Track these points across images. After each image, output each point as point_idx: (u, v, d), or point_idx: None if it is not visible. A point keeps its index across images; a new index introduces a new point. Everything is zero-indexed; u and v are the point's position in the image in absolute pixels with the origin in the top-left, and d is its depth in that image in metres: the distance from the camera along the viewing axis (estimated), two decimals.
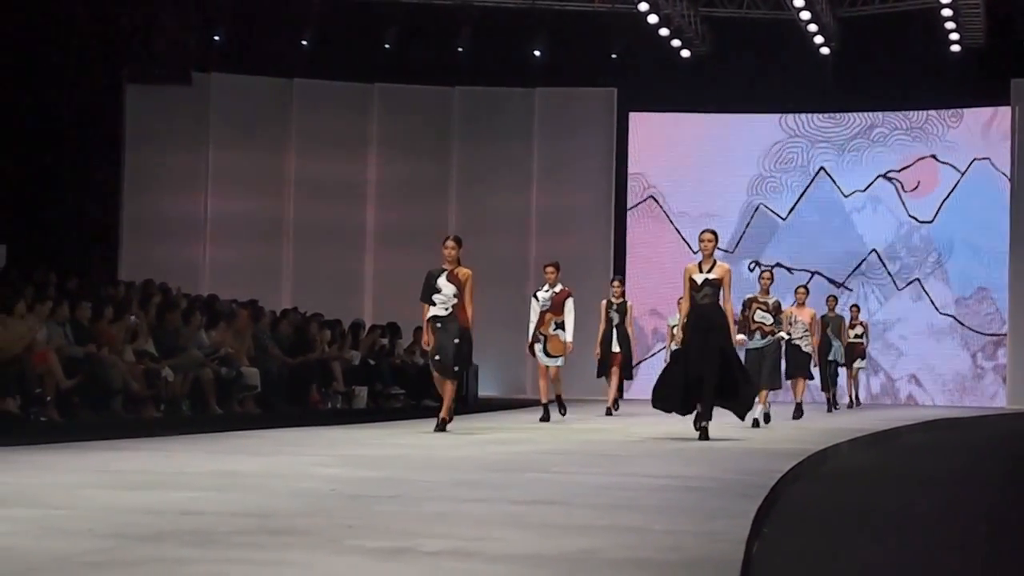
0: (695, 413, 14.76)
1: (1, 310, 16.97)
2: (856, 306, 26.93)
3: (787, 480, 10.27)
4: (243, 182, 27.08)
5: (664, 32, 26.77)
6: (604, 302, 20.89)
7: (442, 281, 15.28)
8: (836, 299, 25.34)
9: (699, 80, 27.74)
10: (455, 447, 12.88)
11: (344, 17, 26.94)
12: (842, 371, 25.92)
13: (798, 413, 20.75)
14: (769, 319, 18.64)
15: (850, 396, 26.31)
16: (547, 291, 18.87)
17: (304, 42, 27.18)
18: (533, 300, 19.01)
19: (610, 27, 27.13)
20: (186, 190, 26.95)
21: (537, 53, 27.89)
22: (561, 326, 18.75)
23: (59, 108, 24.44)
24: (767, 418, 18.52)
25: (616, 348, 20.93)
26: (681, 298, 17.33)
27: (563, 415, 19.28)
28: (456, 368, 15.29)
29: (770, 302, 18.83)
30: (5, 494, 8.22)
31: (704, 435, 14.54)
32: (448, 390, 15.37)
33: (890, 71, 27.06)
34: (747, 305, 18.65)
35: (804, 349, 20.83)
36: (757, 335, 18.62)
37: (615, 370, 20.98)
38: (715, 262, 14.72)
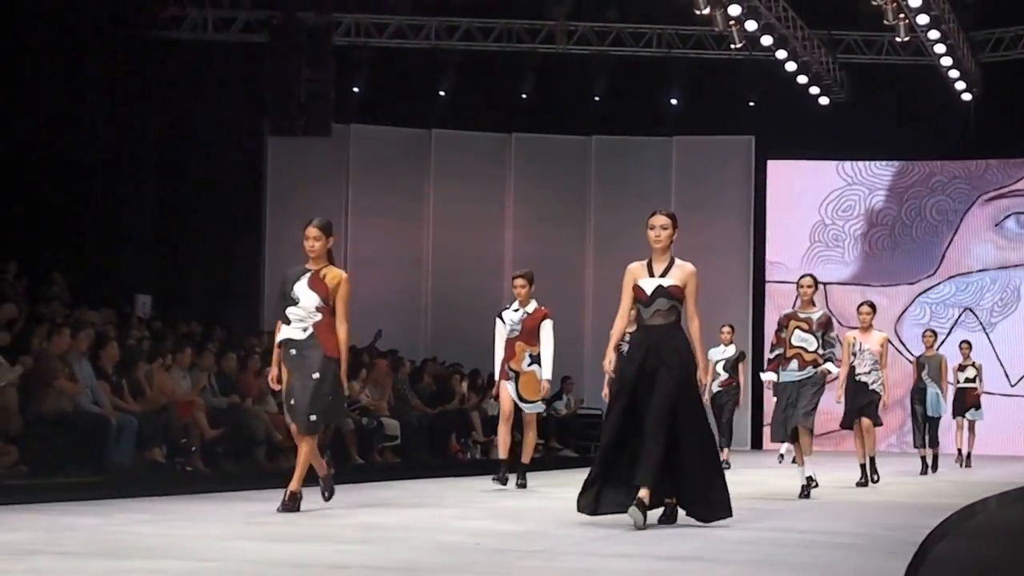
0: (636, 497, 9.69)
1: (147, 361, 17.25)
2: (968, 343, 22.76)
3: (935, 536, 10.12)
4: (382, 231, 27.28)
5: (802, 79, 26.64)
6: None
7: (300, 288, 10.91)
8: (935, 334, 20.96)
9: (838, 127, 27.54)
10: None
11: (481, 67, 27.11)
12: (948, 420, 21.69)
13: (864, 479, 16.22)
14: (811, 342, 13.83)
15: (960, 452, 21.94)
16: (516, 311, 14.21)
17: (441, 92, 27.40)
18: (497, 323, 14.34)
19: (747, 75, 27.04)
20: None
21: (674, 101, 27.88)
22: (537, 359, 14.20)
23: (202, 160, 24.87)
24: (807, 487, 13.74)
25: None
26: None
27: (521, 485, 14.41)
28: (312, 417, 10.77)
29: (814, 318, 13.94)
30: (157, 546, 8.34)
31: (648, 513, 9.69)
32: (303, 450, 10.92)
33: None
34: (783, 325, 14.05)
35: (872, 387, 16.43)
36: (794, 364, 13.81)
37: None
38: (673, 260, 10.33)
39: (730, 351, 19.90)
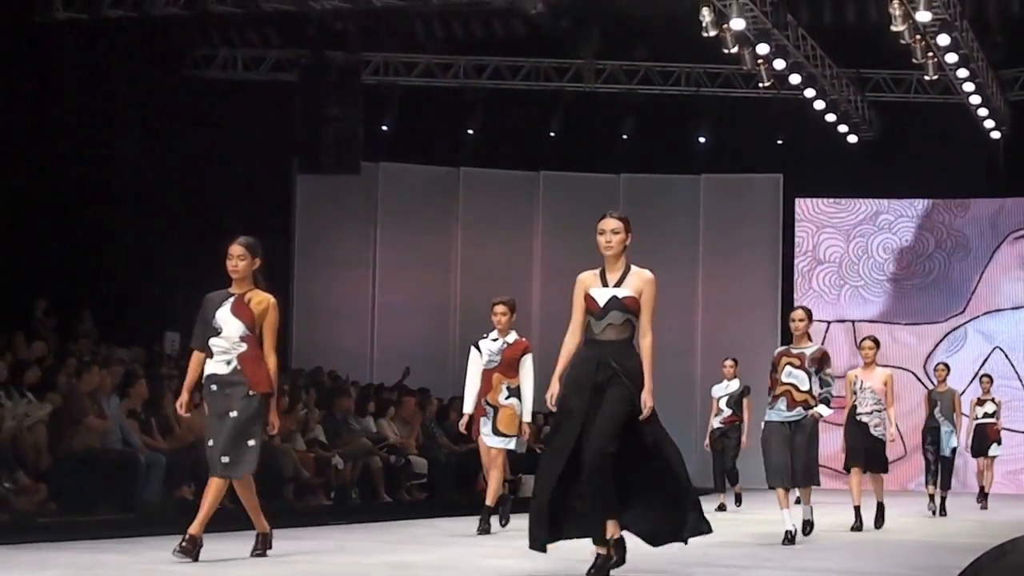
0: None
1: (175, 399, 17.25)
2: (988, 376, 22.08)
3: None
4: (410, 267, 27.31)
5: (831, 117, 26.59)
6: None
7: (223, 315, 9.92)
8: (947, 368, 19.80)
9: (866, 165, 27.49)
10: (627, 536, 12.77)
11: (509, 105, 27.14)
12: (967, 458, 21.71)
13: (859, 523, 14.95)
14: (803, 380, 12.74)
15: (982, 491, 21.12)
16: (495, 340, 13.30)
17: (470, 131, 27.45)
18: (473, 352, 13.45)
19: (776, 113, 27.02)
20: (354, 278, 27.24)
21: (702, 139, 27.87)
22: (516, 393, 13.25)
23: (232, 198, 24.94)
24: (808, 527, 13.26)
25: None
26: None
27: (503, 525, 13.61)
28: (224, 459, 9.74)
29: (807, 353, 12.89)
30: None
31: (604, 571, 8.91)
32: (210, 491, 9.90)
33: None
34: (775, 364, 13.02)
35: (874, 432, 15.24)
36: (782, 403, 12.73)
37: None
38: (629, 268, 9.28)
39: (733, 386, 18.73)
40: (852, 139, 27.38)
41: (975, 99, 25.26)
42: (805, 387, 12.71)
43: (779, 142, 27.60)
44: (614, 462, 8.82)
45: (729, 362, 18.96)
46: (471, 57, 26.51)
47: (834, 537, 13.67)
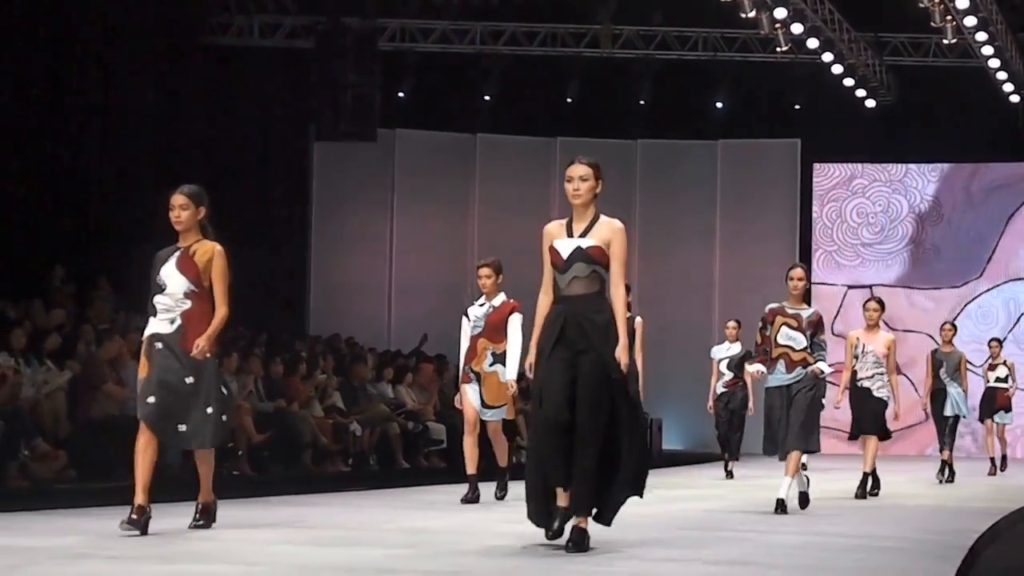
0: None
1: None
2: (997, 340, 21.17)
3: (985, 540, 10.06)
4: (427, 235, 27.31)
5: (849, 82, 26.50)
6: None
7: (168, 270, 9.28)
8: (954, 328, 18.94)
9: (884, 130, 27.41)
10: (643, 503, 12.80)
11: (526, 72, 27.10)
12: (971, 423, 20.98)
13: (862, 490, 14.62)
14: (800, 341, 12.19)
15: (992, 458, 20.20)
16: (482, 305, 12.66)
17: (487, 97, 27.40)
18: (463, 320, 12.79)
19: (793, 78, 26.94)
20: (371, 244, 27.24)
21: (719, 105, 27.81)
22: (501, 359, 12.55)
23: (249, 165, 24.96)
24: (804, 499, 12.44)
25: None
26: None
27: (500, 497, 12.91)
28: (181, 428, 9.12)
29: (804, 315, 12.31)
30: (207, 550, 8.37)
31: (580, 542, 8.36)
32: (144, 453, 9.13)
33: None
34: (767, 321, 12.34)
35: (876, 394, 14.76)
36: (780, 366, 12.17)
37: None
38: (597, 217, 8.72)
39: (736, 348, 18.04)
40: (870, 104, 27.28)
41: (994, 63, 25.15)
42: (801, 347, 12.12)
43: (796, 107, 27.52)
44: (596, 431, 8.40)
45: (732, 323, 18.43)
46: (488, 23, 26.43)
47: (849, 503, 13.68)
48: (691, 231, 28.01)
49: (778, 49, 24.70)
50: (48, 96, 20.85)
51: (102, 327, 17.24)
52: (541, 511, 8.55)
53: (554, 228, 8.75)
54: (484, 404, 12.59)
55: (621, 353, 8.43)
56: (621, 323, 8.53)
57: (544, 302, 8.70)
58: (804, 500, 12.37)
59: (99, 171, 21.55)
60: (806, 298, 12.66)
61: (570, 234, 8.65)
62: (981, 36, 23.88)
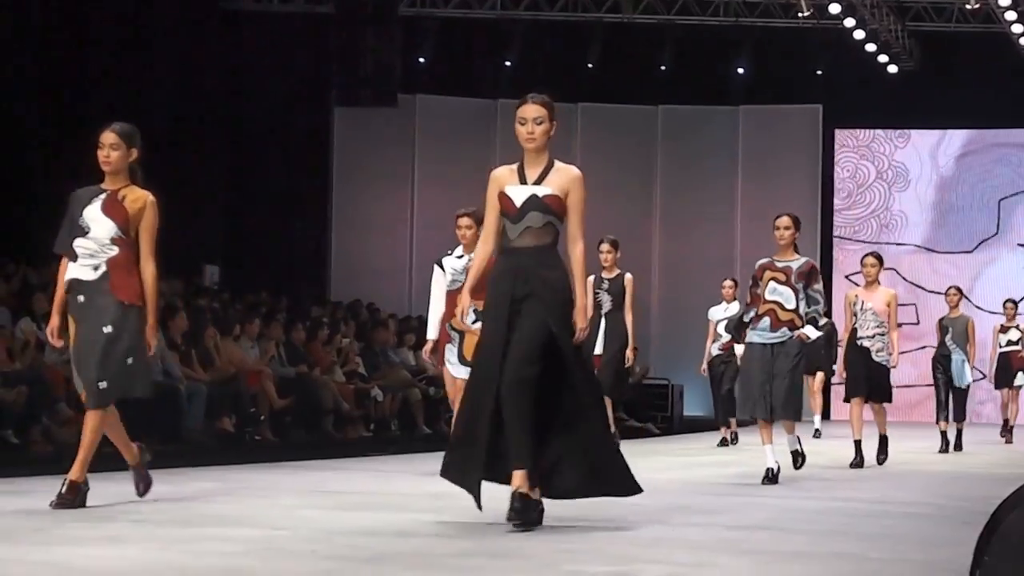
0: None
1: (216, 331, 17.37)
2: (1013, 301, 20.44)
3: (1007, 506, 10.04)
4: (448, 201, 27.25)
5: (871, 48, 26.39)
6: (591, 278, 13.79)
7: (92, 213, 8.56)
8: (960, 292, 18.13)
9: (907, 96, 27.31)
10: (664, 469, 12.83)
11: (547, 38, 27.05)
12: (990, 389, 20.49)
13: (860, 459, 13.74)
14: (789, 297, 11.29)
15: (1006, 425, 19.78)
16: (460, 257, 11.86)
17: (507, 63, 27.36)
18: (436, 271, 12.02)
19: (815, 43, 26.84)
20: (392, 211, 27.25)
21: (741, 70, 27.73)
22: None
23: (269, 131, 24.97)
24: (799, 459, 11.99)
25: (598, 349, 14.19)
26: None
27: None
28: (102, 385, 8.30)
29: (793, 267, 11.42)
30: (230, 514, 8.40)
31: (523, 512, 7.59)
32: (88, 428, 8.43)
33: None
34: (756, 278, 11.51)
35: (876, 357, 13.87)
36: (765, 322, 11.30)
37: None
38: (552, 163, 8.05)
39: (733, 309, 17.11)
40: (892, 69, 27.17)
41: (1017, 28, 25.02)
42: (791, 305, 11.26)
43: (818, 73, 27.44)
44: (532, 395, 7.59)
45: (728, 283, 17.59)
46: None
47: (864, 469, 13.66)
48: (712, 197, 27.94)
49: (800, 14, 24.62)
50: (65, 66, 20.85)
51: None
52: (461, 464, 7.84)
53: (504, 173, 7.99)
54: (463, 361, 11.29)
55: (579, 316, 7.77)
56: (580, 283, 7.90)
57: (483, 252, 8.04)
58: (797, 458, 11.93)
59: None
60: (802, 250, 11.78)
61: (523, 181, 7.92)
62: (1004, 1, 23.76)
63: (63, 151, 20.32)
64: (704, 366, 17.69)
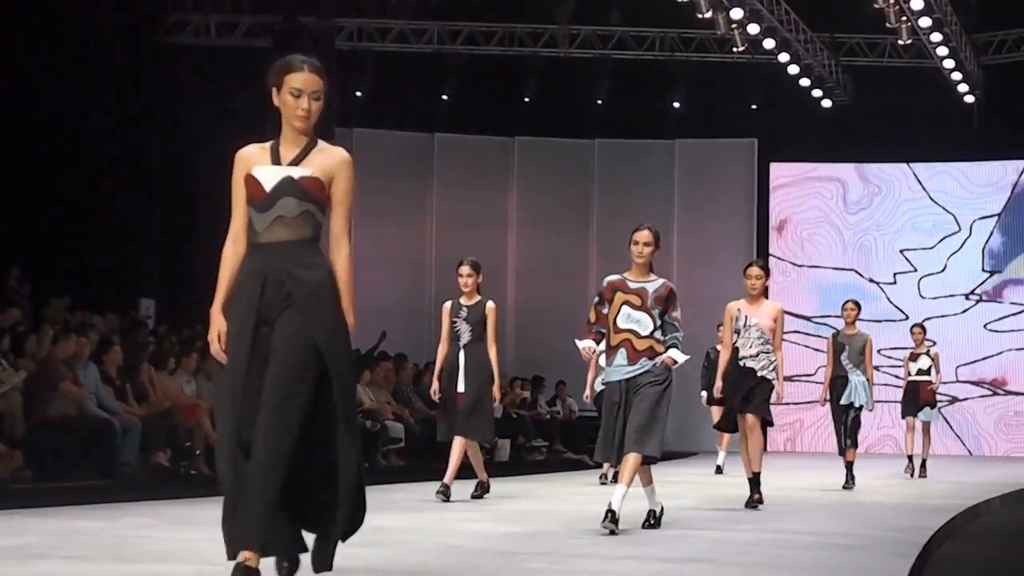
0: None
1: (152, 365, 17.30)
2: (921, 326, 18.89)
3: (939, 537, 10.15)
4: (385, 234, 27.28)
5: (805, 82, 26.64)
6: (448, 305, 13.03)
7: None
8: (858, 306, 16.42)
9: (840, 130, 27.56)
10: (600, 502, 12.84)
11: (483, 71, 27.12)
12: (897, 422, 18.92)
13: (753, 500, 12.25)
14: (646, 324, 9.82)
15: (912, 462, 18.24)
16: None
17: (444, 96, 27.42)
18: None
19: (750, 78, 27.04)
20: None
21: (676, 105, 27.89)
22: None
23: (207, 164, 24.89)
24: (651, 517, 10.24)
25: (461, 386, 12.64)
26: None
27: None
28: None
29: (649, 289, 9.94)
30: (164, 550, 8.36)
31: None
32: None
33: None
34: (604, 298, 9.94)
35: (763, 374, 12.35)
36: (621, 356, 9.79)
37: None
38: (315, 142, 6.58)
39: None
40: (826, 103, 27.44)
41: (949, 63, 25.34)
42: (647, 332, 9.74)
43: (753, 107, 27.64)
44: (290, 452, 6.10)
45: None
46: (445, 22, 26.46)
47: (807, 501, 13.74)
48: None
49: (735, 49, 24.83)
50: (5, 97, 20.76)
51: (60, 327, 17.19)
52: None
53: (253, 152, 6.49)
54: None
55: (348, 313, 6.39)
56: (347, 291, 6.39)
57: (231, 253, 6.49)
58: (651, 519, 10.14)
59: (56, 172, 21.45)
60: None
61: (276, 160, 6.45)
62: (936, 37, 24.06)
63: None
64: (588, 392, 15.83)
